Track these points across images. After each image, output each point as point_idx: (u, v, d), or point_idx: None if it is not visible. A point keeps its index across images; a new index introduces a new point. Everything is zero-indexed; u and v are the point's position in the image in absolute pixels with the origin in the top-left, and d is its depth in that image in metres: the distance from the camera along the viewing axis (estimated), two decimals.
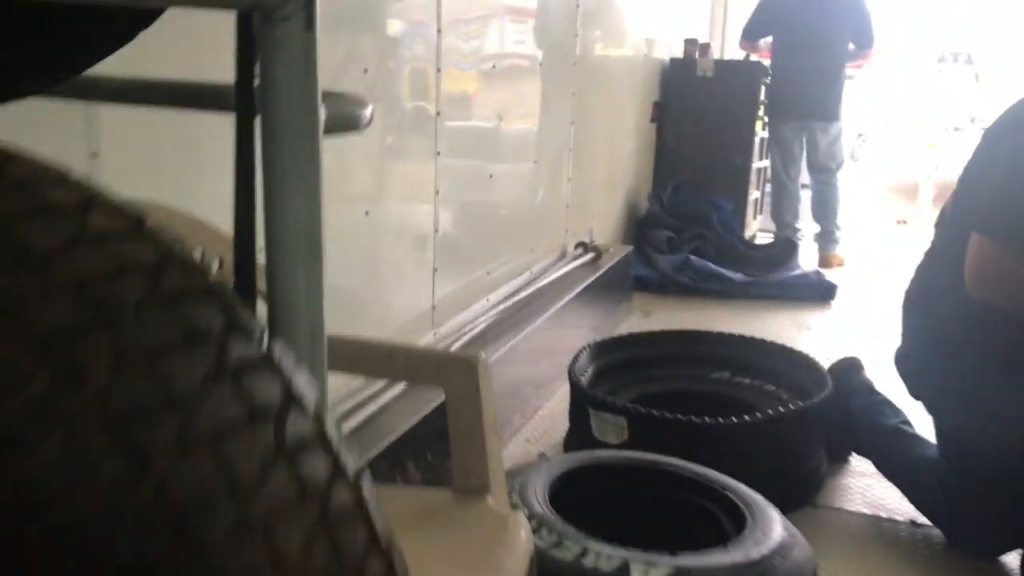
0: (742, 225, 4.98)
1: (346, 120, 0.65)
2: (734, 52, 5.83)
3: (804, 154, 5.26)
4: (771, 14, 5.22)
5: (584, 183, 3.72)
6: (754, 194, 5.24)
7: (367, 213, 2.07)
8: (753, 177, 5.17)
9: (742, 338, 2.73)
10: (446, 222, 2.48)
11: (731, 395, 2.63)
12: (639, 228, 4.54)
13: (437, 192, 2.42)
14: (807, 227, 5.42)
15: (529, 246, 3.20)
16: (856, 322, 4.03)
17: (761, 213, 5.58)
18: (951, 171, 9.02)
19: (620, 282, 3.76)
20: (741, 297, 4.18)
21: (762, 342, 2.70)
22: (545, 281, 3.11)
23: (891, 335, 3.84)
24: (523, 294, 2.93)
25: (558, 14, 3.30)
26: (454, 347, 2.45)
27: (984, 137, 1.88)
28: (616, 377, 2.66)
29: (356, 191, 2.02)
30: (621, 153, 4.41)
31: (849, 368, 2.48)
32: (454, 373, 1.24)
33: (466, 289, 2.69)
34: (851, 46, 5.13)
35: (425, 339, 2.41)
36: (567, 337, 3.21)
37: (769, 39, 5.20)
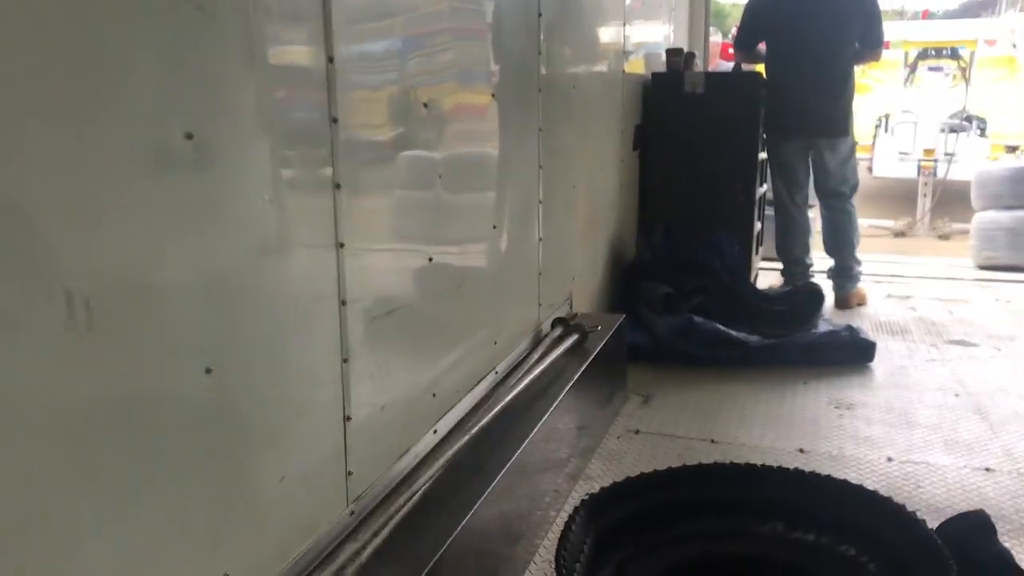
0: (749, 268, 4.18)
1: None
2: (722, 62, 5.07)
3: (811, 177, 4.51)
4: (763, 18, 4.47)
5: (559, 241, 2.91)
6: (755, 226, 4.45)
7: (208, 371, 1.24)
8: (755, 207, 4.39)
9: (797, 474, 1.92)
10: (361, 341, 1.66)
11: (791, 563, 1.83)
12: (626, 283, 3.73)
13: (344, 303, 1.60)
14: (819, 261, 4.67)
15: (492, 338, 2.39)
16: (905, 394, 3.24)
17: (762, 245, 4.79)
18: (952, 175, 8.35)
19: (614, 366, 2.94)
20: (758, 364, 3.38)
21: (826, 480, 1.90)
22: (517, 387, 2.28)
23: (961, 415, 3.02)
24: (486, 416, 2.11)
25: (515, 29, 2.49)
26: (384, 532, 1.63)
27: None
28: (623, 543, 1.84)
29: (191, 344, 1.19)
30: (602, 194, 3.60)
31: (974, 530, 1.68)
32: None
33: (400, 426, 1.87)
34: (857, 45, 4.37)
35: (332, 524, 1.58)
36: (549, 452, 2.40)
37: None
